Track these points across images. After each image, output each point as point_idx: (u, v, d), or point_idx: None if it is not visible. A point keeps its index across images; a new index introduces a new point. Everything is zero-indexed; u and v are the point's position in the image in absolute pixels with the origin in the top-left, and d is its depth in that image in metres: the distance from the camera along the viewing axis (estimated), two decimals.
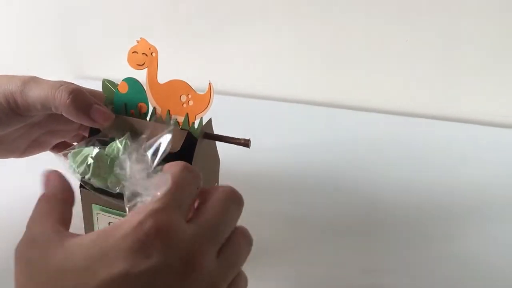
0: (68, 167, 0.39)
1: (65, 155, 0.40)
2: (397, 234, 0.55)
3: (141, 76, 0.45)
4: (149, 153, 0.35)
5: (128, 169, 0.34)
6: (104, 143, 0.42)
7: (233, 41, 0.87)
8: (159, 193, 0.31)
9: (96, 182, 0.39)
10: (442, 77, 0.80)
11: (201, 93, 0.43)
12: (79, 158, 0.39)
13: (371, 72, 0.83)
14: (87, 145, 0.42)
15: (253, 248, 0.51)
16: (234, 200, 0.34)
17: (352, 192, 0.62)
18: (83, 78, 0.96)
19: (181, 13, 0.87)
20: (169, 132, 0.36)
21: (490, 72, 0.77)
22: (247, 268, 0.48)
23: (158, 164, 0.35)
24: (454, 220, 0.57)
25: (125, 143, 0.39)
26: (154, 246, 0.28)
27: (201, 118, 0.44)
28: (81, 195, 0.45)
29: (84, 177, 0.39)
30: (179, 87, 0.43)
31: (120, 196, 0.36)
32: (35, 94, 0.43)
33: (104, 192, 0.40)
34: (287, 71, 0.87)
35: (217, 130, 0.47)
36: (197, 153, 0.44)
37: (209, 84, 0.43)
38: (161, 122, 0.44)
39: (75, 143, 0.56)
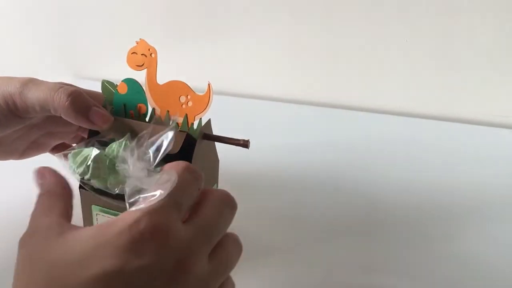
0: (68, 168, 0.39)
1: (65, 156, 0.40)
2: (397, 234, 0.54)
3: (141, 76, 0.45)
4: (151, 150, 0.35)
5: (131, 165, 0.34)
6: (103, 144, 0.42)
7: (232, 41, 0.87)
8: (162, 191, 0.31)
9: (95, 183, 0.39)
10: (442, 77, 0.80)
11: (200, 93, 0.43)
12: (79, 159, 0.39)
13: (371, 72, 0.83)
14: (86, 146, 0.42)
15: (253, 248, 0.51)
16: (228, 204, 0.35)
17: (352, 192, 0.62)
18: (82, 78, 0.96)
19: (181, 13, 0.87)
20: (171, 129, 0.36)
21: (490, 72, 0.77)
22: (247, 268, 0.48)
23: (159, 163, 0.35)
24: (454, 220, 0.57)
25: (125, 144, 0.39)
26: (148, 246, 0.28)
27: (200, 119, 0.44)
28: (80, 196, 0.45)
29: (83, 177, 0.39)
30: (178, 87, 0.43)
31: (119, 197, 0.36)
32: (34, 96, 0.43)
33: (104, 193, 0.40)
34: (287, 71, 0.87)
35: (216, 131, 0.47)
36: (196, 154, 0.44)
37: (208, 84, 0.43)
38: (161, 123, 0.44)
39: (74, 144, 0.57)
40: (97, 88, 0.47)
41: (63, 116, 0.43)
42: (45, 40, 0.98)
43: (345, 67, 0.84)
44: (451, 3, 0.74)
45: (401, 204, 0.59)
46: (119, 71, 0.46)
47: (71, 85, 0.47)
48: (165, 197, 0.31)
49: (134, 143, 0.37)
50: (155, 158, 0.35)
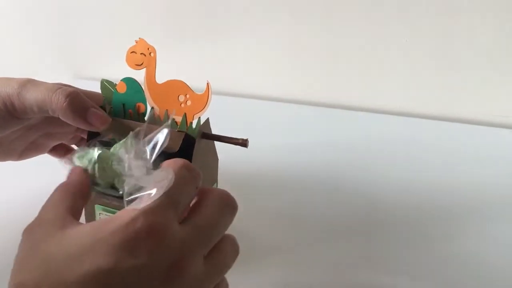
0: None
1: (69, 160, 0.40)
2: (397, 234, 0.54)
3: (140, 76, 0.45)
4: (148, 148, 0.35)
5: (127, 164, 0.34)
6: (105, 144, 0.42)
7: (232, 41, 0.87)
8: (158, 189, 0.31)
9: (103, 183, 0.39)
10: (442, 77, 0.80)
11: (199, 93, 0.43)
12: (85, 161, 0.39)
13: (371, 72, 0.83)
14: (89, 147, 0.42)
15: (253, 247, 0.51)
16: (228, 205, 0.35)
17: (352, 192, 0.62)
18: (81, 78, 0.96)
19: (181, 13, 0.87)
20: (166, 126, 0.36)
21: (490, 72, 0.77)
22: (247, 267, 0.48)
23: (156, 160, 0.35)
24: (454, 220, 0.57)
25: (131, 143, 0.39)
26: (143, 245, 0.28)
27: (199, 118, 0.44)
28: None
29: (92, 180, 0.39)
30: (177, 87, 0.44)
31: (122, 196, 0.36)
32: (32, 96, 0.43)
33: (108, 193, 0.40)
34: (287, 71, 0.87)
35: (216, 131, 0.47)
36: (196, 153, 0.44)
37: (207, 84, 0.43)
38: (159, 122, 0.44)
39: (73, 145, 0.57)
40: (97, 88, 0.47)
41: (61, 117, 0.43)
42: (45, 40, 0.98)
43: (345, 67, 0.83)
44: (451, 3, 0.74)
45: (401, 204, 0.59)
46: (119, 71, 0.46)
47: (69, 85, 0.47)
48: (162, 196, 0.31)
49: (131, 141, 0.36)
50: (151, 155, 0.35)
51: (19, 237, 0.32)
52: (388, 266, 0.50)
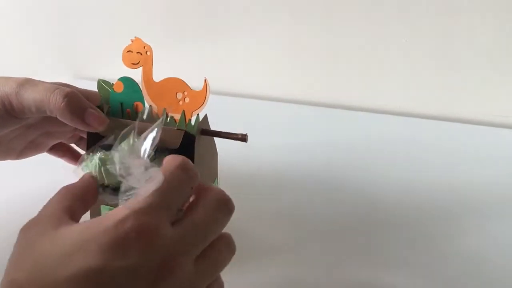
0: None
1: (78, 171, 0.40)
2: (397, 234, 0.54)
3: (138, 75, 0.45)
4: (143, 145, 0.35)
5: (117, 165, 0.34)
6: (106, 148, 0.42)
7: (231, 41, 0.87)
8: (147, 189, 0.31)
9: (113, 185, 0.39)
10: (442, 77, 0.80)
11: (197, 90, 0.43)
12: (91, 168, 0.40)
13: (371, 72, 0.82)
14: (92, 153, 0.42)
15: (253, 247, 0.51)
16: (223, 206, 0.34)
17: (352, 192, 0.62)
18: (82, 78, 0.96)
19: (181, 13, 0.87)
20: (159, 123, 0.36)
21: (490, 72, 0.77)
22: (247, 267, 0.48)
23: (159, 157, 0.35)
24: (454, 219, 0.57)
25: (133, 142, 0.39)
26: (133, 245, 0.28)
27: (198, 115, 0.44)
28: None
29: (102, 184, 0.39)
30: (174, 84, 0.44)
31: None
32: (30, 96, 0.43)
33: (116, 193, 0.40)
34: (287, 71, 0.87)
35: None
36: (197, 151, 0.44)
37: (205, 80, 0.43)
38: (157, 120, 0.44)
39: (72, 144, 0.57)
40: (95, 87, 0.47)
41: (58, 118, 0.43)
42: (45, 40, 0.98)
43: (345, 67, 0.83)
44: (451, 3, 0.74)
45: (401, 204, 0.59)
46: (119, 71, 0.46)
47: (68, 85, 0.47)
48: (155, 196, 0.31)
49: (120, 141, 0.36)
50: (144, 153, 0.35)
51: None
52: (388, 265, 0.50)
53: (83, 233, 0.29)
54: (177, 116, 0.44)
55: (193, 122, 0.44)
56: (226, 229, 0.35)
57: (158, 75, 0.45)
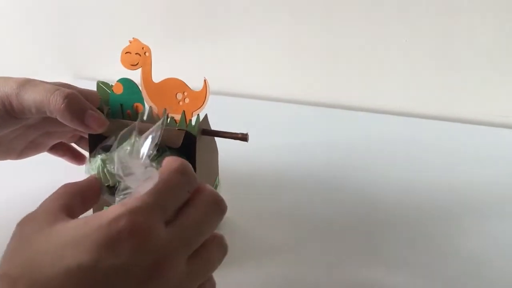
0: None
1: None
2: (397, 234, 0.54)
3: (138, 76, 0.45)
4: (143, 145, 0.35)
5: (115, 165, 0.34)
6: (108, 149, 0.42)
7: (232, 41, 0.87)
8: (145, 189, 0.31)
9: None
10: (442, 77, 0.79)
11: (197, 90, 0.43)
12: (95, 169, 0.40)
13: (371, 72, 0.82)
14: (94, 157, 0.42)
15: (253, 247, 0.51)
16: (215, 208, 0.34)
17: (352, 192, 0.62)
18: (82, 78, 0.96)
19: (181, 13, 0.87)
20: (160, 124, 0.36)
21: (490, 72, 0.77)
22: (247, 266, 0.48)
23: (154, 156, 0.35)
24: (454, 219, 0.57)
25: (134, 142, 0.39)
26: (125, 244, 0.28)
27: (198, 115, 0.44)
28: None
29: (107, 185, 0.39)
30: (174, 85, 0.44)
31: None
32: (30, 97, 0.43)
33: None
34: (287, 71, 0.87)
35: None
36: (199, 151, 0.44)
37: (205, 80, 0.43)
38: (158, 121, 0.44)
39: (72, 143, 0.57)
40: (95, 88, 0.47)
41: (58, 119, 0.44)
42: (45, 40, 0.98)
43: (345, 67, 0.83)
44: (451, 3, 0.74)
45: (401, 204, 0.59)
46: (119, 71, 0.46)
47: (68, 85, 0.47)
48: (150, 196, 0.31)
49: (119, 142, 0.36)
50: (143, 153, 0.35)
51: None
52: (388, 265, 0.50)
53: (76, 229, 0.30)
54: (178, 117, 0.44)
55: (193, 122, 0.44)
56: (226, 229, 0.35)
57: (157, 76, 0.45)
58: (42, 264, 0.28)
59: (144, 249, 0.29)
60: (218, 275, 0.35)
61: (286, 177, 0.65)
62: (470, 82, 0.78)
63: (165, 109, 0.44)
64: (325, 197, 0.61)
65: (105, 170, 0.39)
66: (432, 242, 0.53)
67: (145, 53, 0.44)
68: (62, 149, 0.56)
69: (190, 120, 0.44)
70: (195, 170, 0.35)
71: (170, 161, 0.34)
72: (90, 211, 0.37)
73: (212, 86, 0.43)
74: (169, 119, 0.44)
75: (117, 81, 0.45)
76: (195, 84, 0.44)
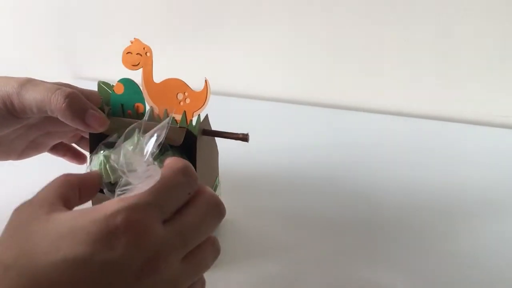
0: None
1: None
2: (397, 234, 0.54)
3: (139, 76, 0.45)
4: (147, 143, 0.35)
5: (121, 160, 0.34)
6: (110, 146, 0.42)
7: (231, 42, 0.87)
8: (145, 186, 0.31)
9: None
10: (442, 77, 0.80)
11: (198, 91, 0.43)
12: (97, 166, 0.40)
13: (370, 72, 0.83)
14: (96, 154, 0.42)
15: (253, 247, 0.51)
16: (213, 211, 0.35)
17: (352, 192, 0.62)
18: (82, 78, 0.96)
19: (181, 14, 0.87)
20: (165, 123, 0.36)
21: (490, 72, 0.77)
22: (247, 267, 0.48)
23: (157, 155, 0.35)
24: (454, 220, 0.57)
25: (137, 139, 0.39)
26: (120, 240, 0.29)
27: (199, 115, 0.44)
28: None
29: (109, 182, 0.39)
30: (175, 85, 0.44)
31: None
32: (31, 96, 0.43)
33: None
34: (287, 71, 0.87)
35: None
36: (199, 151, 0.44)
37: (205, 81, 0.43)
38: (159, 121, 0.44)
39: (73, 143, 0.57)
40: (96, 88, 0.47)
41: (59, 118, 0.44)
42: (45, 40, 0.98)
43: (345, 67, 0.83)
44: (451, 3, 0.74)
45: (401, 204, 0.59)
46: (119, 72, 0.46)
47: (69, 85, 0.47)
48: (150, 195, 0.31)
49: (124, 138, 0.36)
50: (147, 150, 0.35)
51: None
52: (388, 265, 0.50)
53: (73, 221, 0.30)
54: (178, 117, 0.44)
55: (194, 123, 0.44)
56: (226, 229, 0.35)
57: (158, 76, 0.45)
58: (37, 252, 0.28)
59: (139, 245, 0.29)
60: (218, 275, 0.36)
61: (286, 177, 0.65)
62: (470, 82, 0.78)
63: (166, 109, 0.44)
64: (324, 197, 0.61)
65: (107, 166, 0.39)
66: (432, 242, 0.53)
67: (146, 53, 0.44)
68: (63, 149, 0.56)
69: (191, 120, 0.44)
70: (195, 170, 0.35)
71: (173, 162, 0.34)
72: (88, 204, 0.38)
73: (213, 86, 0.43)
74: (170, 118, 0.44)
75: (118, 81, 0.45)
76: (196, 85, 0.44)
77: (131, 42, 0.44)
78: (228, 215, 0.36)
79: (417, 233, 0.55)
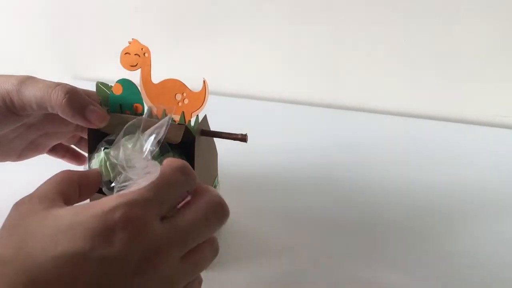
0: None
1: None
2: (397, 234, 0.54)
3: (137, 76, 0.45)
4: (147, 140, 0.35)
5: (120, 155, 0.34)
6: (110, 143, 0.42)
7: (231, 42, 0.87)
8: (144, 183, 0.31)
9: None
10: (442, 77, 0.79)
11: (196, 91, 0.43)
12: (97, 164, 0.40)
13: (370, 72, 0.82)
14: (97, 152, 0.42)
15: (253, 247, 0.51)
16: (216, 212, 0.34)
17: (352, 192, 0.62)
18: (80, 79, 0.96)
19: (181, 14, 0.87)
20: (166, 120, 0.36)
21: (489, 72, 0.77)
22: (247, 267, 0.48)
23: (154, 152, 0.35)
24: (454, 219, 0.57)
25: (137, 137, 0.39)
26: (119, 235, 0.29)
27: (197, 115, 0.44)
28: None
29: (108, 180, 0.39)
30: (173, 86, 0.44)
31: None
32: (31, 93, 0.43)
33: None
34: (287, 71, 0.87)
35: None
36: (198, 151, 0.44)
37: (204, 81, 0.43)
38: (157, 121, 0.44)
39: (72, 145, 0.57)
40: (95, 88, 0.47)
41: (60, 114, 0.44)
42: (45, 41, 0.98)
43: (345, 67, 0.83)
44: (451, 3, 0.73)
45: (401, 204, 0.59)
46: (119, 72, 0.46)
47: (68, 84, 0.47)
48: (149, 191, 0.31)
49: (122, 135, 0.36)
50: (147, 147, 0.35)
51: None
52: (388, 265, 0.50)
53: (72, 216, 0.30)
54: (177, 117, 0.44)
55: (192, 123, 0.44)
56: (225, 229, 0.35)
57: (156, 77, 0.45)
58: (36, 247, 0.28)
59: (138, 241, 0.29)
60: (217, 275, 0.36)
61: (286, 177, 0.65)
62: (470, 82, 0.78)
63: (164, 109, 0.44)
64: (324, 197, 0.61)
65: (107, 163, 0.39)
66: (433, 242, 0.53)
67: (144, 54, 0.44)
68: (62, 151, 0.56)
69: (190, 120, 0.44)
70: (194, 170, 0.35)
71: (171, 160, 0.34)
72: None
73: (211, 86, 0.43)
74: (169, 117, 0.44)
75: (116, 81, 0.45)
76: (194, 85, 0.44)
77: (129, 43, 0.44)
78: None
79: (417, 233, 0.55)
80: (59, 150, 0.56)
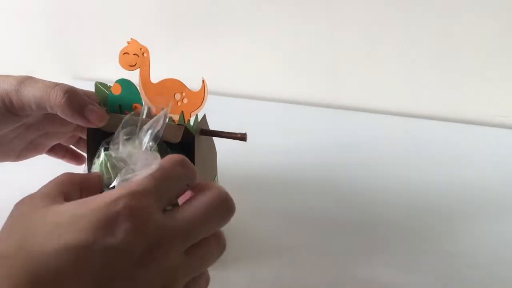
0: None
1: None
2: (397, 234, 0.54)
3: (136, 76, 0.45)
4: (145, 135, 0.35)
5: (120, 149, 0.34)
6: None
7: (231, 42, 0.87)
8: (143, 174, 0.31)
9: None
10: (442, 77, 0.79)
11: (195, 90, 0.43)
12: (98, 167, 0.40)
13: (370, 72, 0.82)
14: (99, 155, 0.42)
15: (253, 247, 0.51)
16: (223, 206, 0.34)
17: (352, 192, 0.62)
18: (80, 79, 0.96)
19: (181, 14, 0.87)
20: (163, 114, 0.36)
21: (489, 72, 0.77)
22: (247, 266, 0.48)
23: (154, 147, 0.35)
24: (454, 220, 0.57)
25: (137, 132, 0.39)
26: (121, 226, 0.29)
27: (196, 115, 0.44)
28: None
29: (109, 183, 0.39)
30: (172, 85, 0.44)
31: None
32: (30, 93, 0.43)
33: None
34: (287, 71, 0.87)
35: None
36: (197, 150, 0.44)
37: (203, 81, 0.43)
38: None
39: (71, 145, 0.57)
40: (93, 89, 0.47)
41: (59, 114, 0.44)
42: (45, 41, 0.98)
43: (345, 67, 0.83)
44: (451, 3, 0.73)
45: (401, 204, 0.59)
46: (119, 72, 0.46)
47: (67, 84, 0.47)
48: (149, 184, 0.31)
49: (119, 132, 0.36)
50: (145, 141, 0.35)
51: None
52: (388, 265, 0.50)
53: (74, 210, 0.30)
54: (176, 117, 0.44)
55: (192, 123, 0.44)
56: (224, 229, 0.35)
57: (156, 77, 0.45)
58: (38, 241, 0.28)
59: (141, 232, 0.29)
60: (217, 275, 0.35)
61: (285, 177, 0.65)
62: (470, 82, 0.78)
63: (164, 108, 0.44)
64: (325, 197, 0.61)
65: (108, 164, 0.39)
66: (432, 242, 0.53)
67: (143, 53, 0.44)
68: (61, 151, 0.56)
69: (189, 120, 0.44)
70: None
71: (171, 155, 0.35)
72: None
73: (211, 86, 0.43)
74: (167, 119, 0.44)
75: (115, 81, 0.45)
76: (193, 85, 0.44)
77: (128, 43, 0.44)
78: None
79: (417, 233, 0.55)
80: (58, 150, 0.56)
